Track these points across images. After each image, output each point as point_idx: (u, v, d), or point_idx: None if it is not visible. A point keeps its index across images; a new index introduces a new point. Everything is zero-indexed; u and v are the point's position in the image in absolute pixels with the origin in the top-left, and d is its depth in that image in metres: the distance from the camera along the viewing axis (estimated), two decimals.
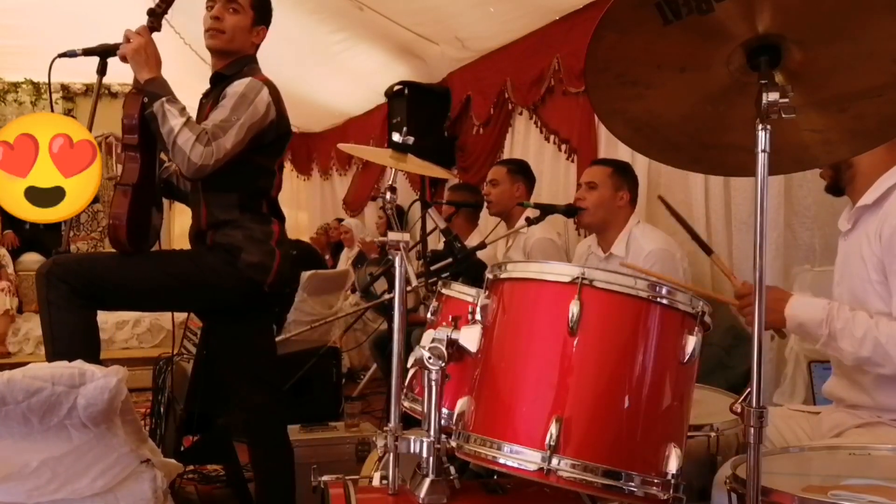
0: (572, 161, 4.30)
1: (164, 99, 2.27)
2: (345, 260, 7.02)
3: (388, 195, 1.90)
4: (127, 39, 2.35)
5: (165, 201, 2.65)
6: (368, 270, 5.91)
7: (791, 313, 1.77)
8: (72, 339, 2.21)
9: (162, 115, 2.25)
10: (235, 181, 2.40)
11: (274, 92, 2.41)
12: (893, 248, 1.73)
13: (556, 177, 4.51)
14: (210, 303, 2.48)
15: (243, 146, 2.32)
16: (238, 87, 2.35)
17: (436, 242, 3.46)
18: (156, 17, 2.41)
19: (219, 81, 2.47)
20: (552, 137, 4.50)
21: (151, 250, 2.47)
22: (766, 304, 1.75)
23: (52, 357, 2.10)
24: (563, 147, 4.38)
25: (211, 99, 2.47)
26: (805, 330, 1.77)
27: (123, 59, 2.36)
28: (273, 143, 2.45)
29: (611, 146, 3.82)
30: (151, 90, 2.30)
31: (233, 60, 2.49)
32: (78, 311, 2.23)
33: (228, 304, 2.45)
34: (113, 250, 2.40)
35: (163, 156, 2.54)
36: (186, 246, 2.63)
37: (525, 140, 4.87)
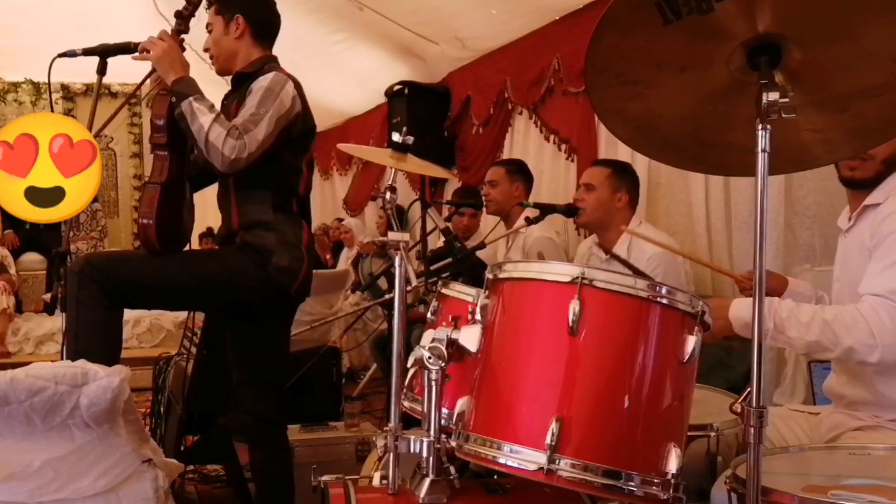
0: (572, 161, 4.30)
1: (191, 98, 2.27)
2: (345, 260, 7.03)
3: (388, 195, 1.90)
4: (145, 49, 2.36)
5: None
6: (371, 266, 5.91)
7: (735, 314, 1.75)
8: (95, 338, 2.22)
9: (191, 113, 2.25)
10: (267, 179, 2.39)
11: (298, 87, 2.41)
12: (880, 230, 1.74)
13: (556, 177, 4.51)
14: (235, 304, 2.46)
15: (273, 139, 2.31)
16: (263, 81, 2.35)
17: (436, 242, 3.46)
18: (183, 20, 2.42)
19: (241, 81, 2.47)
20: (552, 137, 4.50)
21: (180, 250, 2.47)
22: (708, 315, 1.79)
23: (73, 355, 2.10)
24: (563, 147, 4.38)
25: (234, 99, 2.47)
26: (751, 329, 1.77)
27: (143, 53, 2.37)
28: (300, 138, 2.44)
29: (611, 146, 3.83)
30: (179, 89, 2.30)
31: (248, 63, 2.50)
32: (105, 311, 2.25)
33: (252, 307, 2.44)
34: (135, 249, 2.40)
35: None
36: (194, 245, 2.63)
37: (525, 140, 4.87)
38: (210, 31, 2.53)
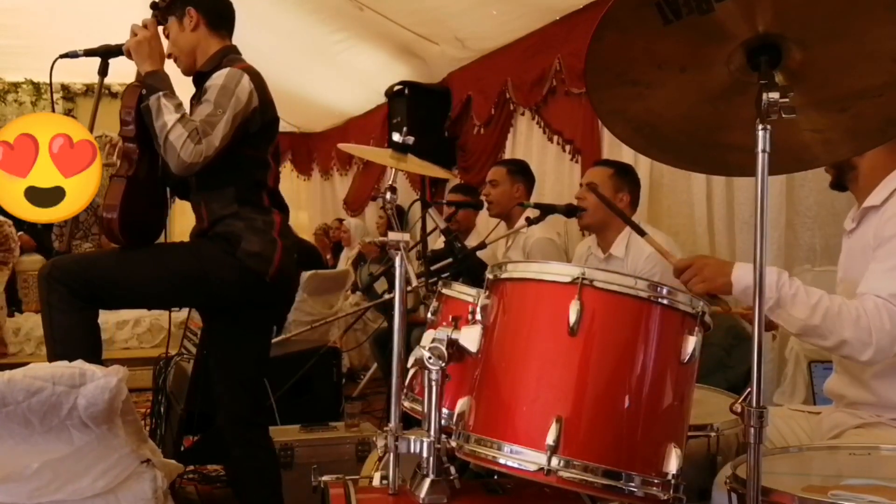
0: (576, 162, 4.29)
1: (161, 93, 2.25)
2: (345, 260, 7.03)
3: (388, 195, 1.90)
4: (133, 34, 2.35)
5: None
6: (370, 270, 5.91)
7: (738, 275, 1.72)
8: (72, 341, 2.20)
9: (157, 109, 2.23)
10: (229, 176, 2.36)
11: (256, 79, 2.37)
12: (882, 232, 1.73)
13: (559, 177, 4.50)
14: (211, 297, 2.42)
15: (230, 139, 2.28)
16: (217, 79, 2.31)
17: (436, 242, 3.46)
18: (160, 11, 2.41)
19: (201, 80, 2.44)
20: (555, 138, 4.50)
21: (150, 245, 2.44)
22: (711, 270, 1.74)
23: (53, 359, 2.08)
24: (567, 148, 4.38)
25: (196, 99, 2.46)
26: (750, 294, 1.72)
27: (128, 53, 2.36)
28: (259, 132, 2.40)
29: (614, 147, 3.82)
30: (151, 83, 2.28)
31: (207, 59, 2.47)
32: (78, 313, 2.22)
33: (229, 299, 2.40)
34: (113, 247, 2.39)
35: None
36: None
37: (527, 140, 4.87)
38: (168, 36, 2.49)
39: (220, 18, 2.51)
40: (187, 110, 2.31)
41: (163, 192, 2.52)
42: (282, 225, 2.45)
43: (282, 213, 2.49)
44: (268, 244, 2.38)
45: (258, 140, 2.41)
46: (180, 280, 2.35)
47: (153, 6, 2.41)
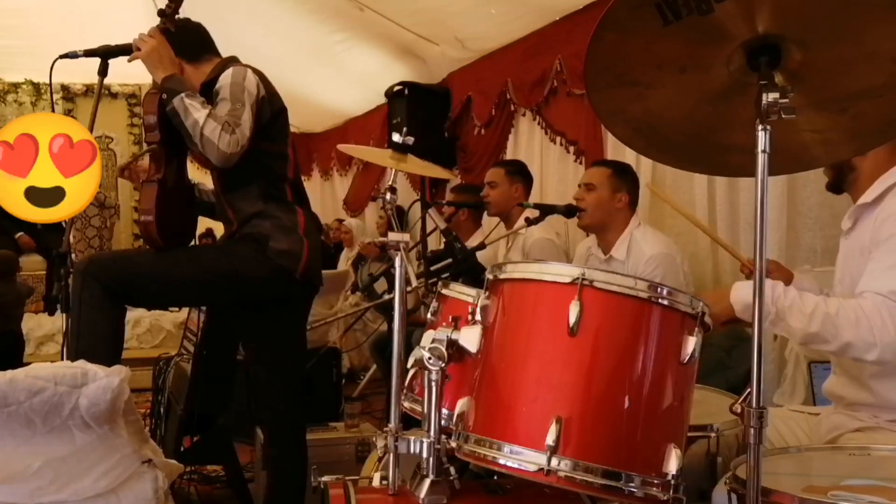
0: (580, 163, 4.28)
1: (183, 94, 2.30)
2: (345, 260, 7.03)
3: (388, 195, 1.90)
4: (137, 47, 2.39)
5: None
6: (370, 270, 5.91)
7: (736, 297, 1.73)
8: (98, 338, 2.26)
9: (184, 109, 2.28)
10: (251, 172, 2.42)
11: (258, 73, 2.43)
12: (879, 233, 1.73)
13: (563, 178, 4.49)
14: (242, 295, 2.48)
15: (255, 130, 2.34)
16: (224, 79, 2.37)
17: (436, 243, 3.46)
18: (167, 18, 2.44)
19: (209, 89, 2.47)
20: (558, 139, 4.49)
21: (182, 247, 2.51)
22: (708, 300, 1.78)
23: (74, 354, 2.14)
24: (572, 149, 4.37)
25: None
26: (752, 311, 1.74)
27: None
28: (271, 122, 2.45)
29: (618, 147, 3.81)
30: (169, 87, 2.33)
31: (208, 74, 2.52)
32: (108, 311, 2.29)
33: (260, 296, 2.46)
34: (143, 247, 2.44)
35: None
36: None
37: (529, 141, 4.86)
38: None
39: (193, 48, 2.55)
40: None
41: (191, 194, 2.60)
42: (306, 223, 2.51)
43: (305, 210, 2.54)
44: (295, 242, 2.44)
45: (272, 131, 2.46)
46: (214, 278, 2.42)
47: (160, 13, 2.44)
